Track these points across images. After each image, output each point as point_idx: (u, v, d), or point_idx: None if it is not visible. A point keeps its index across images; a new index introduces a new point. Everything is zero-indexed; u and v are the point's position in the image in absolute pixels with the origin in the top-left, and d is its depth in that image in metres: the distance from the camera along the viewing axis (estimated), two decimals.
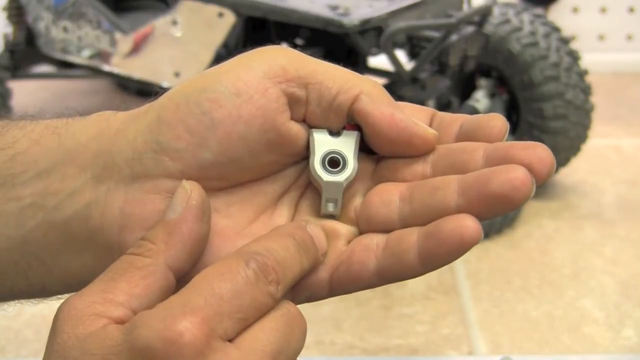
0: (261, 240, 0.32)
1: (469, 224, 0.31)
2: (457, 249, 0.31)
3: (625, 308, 1.03)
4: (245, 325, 0.30)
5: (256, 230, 0.35)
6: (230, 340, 0.29)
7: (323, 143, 0.34)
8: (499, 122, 0.34)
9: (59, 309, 0.31)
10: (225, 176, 0.34)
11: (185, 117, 0.33)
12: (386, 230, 0.34)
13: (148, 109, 0.34)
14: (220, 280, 0.30)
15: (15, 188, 0.35)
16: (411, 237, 0.32)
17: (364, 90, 0.34)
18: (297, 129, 0.34)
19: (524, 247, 1.19)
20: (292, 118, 0.34)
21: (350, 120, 0.35)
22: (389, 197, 0.34)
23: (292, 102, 0.34)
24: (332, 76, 0.34)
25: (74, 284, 0.35)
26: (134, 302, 0.30)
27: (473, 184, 0.31)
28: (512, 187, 0.30)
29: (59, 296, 0.36)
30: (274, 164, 0.35)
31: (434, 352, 0.95)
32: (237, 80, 0.33)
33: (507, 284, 1.09)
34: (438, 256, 0.31)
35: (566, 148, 1.30)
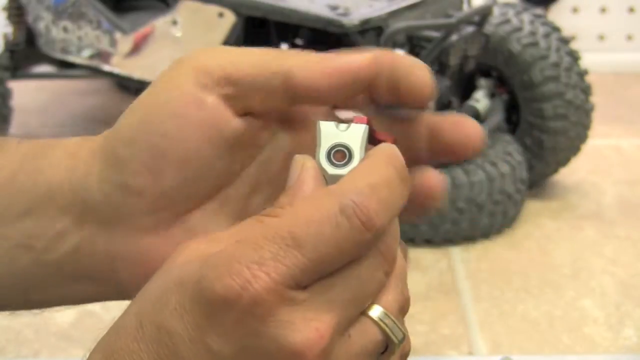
0: (364, 174, 0.30)
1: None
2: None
3: (625, 308, 1.03)
4: (324, 274, 0.28)
5: None
6: (304, 287, 0.28)
7: (329, 135, 0.33)
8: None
9: (178, 247, 0.31)
10: (193, 195, 0.34)
11: (138, 153, 0.33)
12: None
13: (106, 145, 0.35)
14: (305, 226, 0.28)
15: (2, 227, 0.35)
16: None
17: (291, 64, 0.34)
18: (239, 125, 0.34)
19: (524, 247, 1.19)
20: (236, 114, 0.34)
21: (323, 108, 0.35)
22: None
23: (228, 102, 0.34)
24: (256, 63, 0.34)
25: (76, 302, 0.36)
26: None
27: None
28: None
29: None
30: (231, 165, 0.35)
31: (434, 352, 0.94)
32: (174, 104, 0.33)
33: (507, 284, 1.09)
34: None
35: (566, 148, 1.30)
